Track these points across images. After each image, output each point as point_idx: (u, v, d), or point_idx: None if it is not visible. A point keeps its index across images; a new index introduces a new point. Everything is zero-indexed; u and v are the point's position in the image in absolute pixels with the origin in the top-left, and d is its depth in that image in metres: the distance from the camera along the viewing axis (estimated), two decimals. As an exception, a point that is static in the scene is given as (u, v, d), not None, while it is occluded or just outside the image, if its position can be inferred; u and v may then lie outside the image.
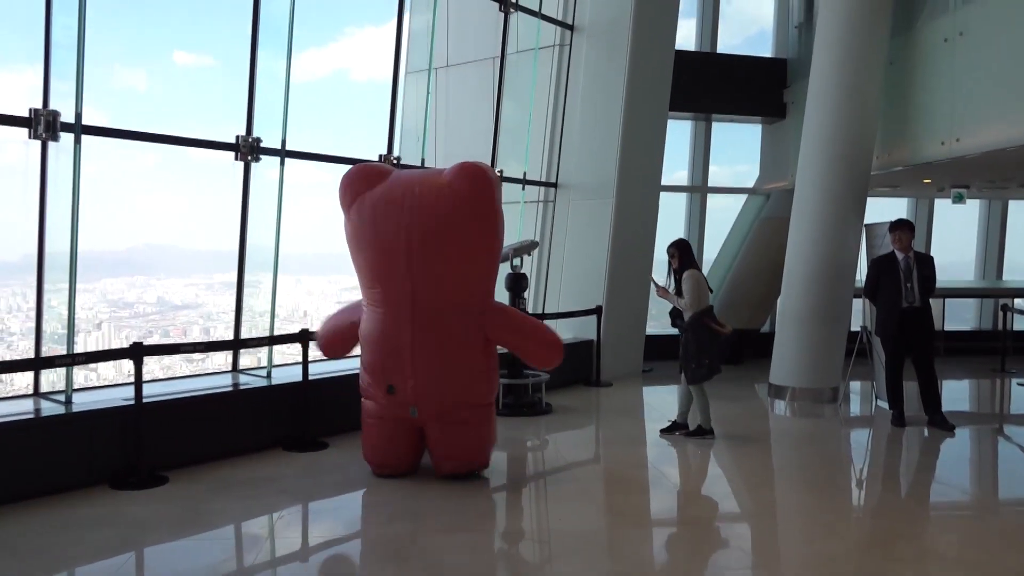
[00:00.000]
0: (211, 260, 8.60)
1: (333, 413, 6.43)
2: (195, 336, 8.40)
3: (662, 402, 8.68)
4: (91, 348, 6.73)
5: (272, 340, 6.53)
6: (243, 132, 6.50)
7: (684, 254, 6.66)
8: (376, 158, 7.70)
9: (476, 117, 9.71)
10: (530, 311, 9.15)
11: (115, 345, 5.87)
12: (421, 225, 4.83)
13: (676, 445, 6.59)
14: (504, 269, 7.33)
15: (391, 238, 4.86)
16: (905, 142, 8.32)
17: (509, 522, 5.00)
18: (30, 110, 5.30)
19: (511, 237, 8.30)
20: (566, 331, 9.49)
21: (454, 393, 5.11)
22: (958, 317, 13.06)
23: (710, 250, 11.82)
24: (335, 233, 5.35)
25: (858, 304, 8.60)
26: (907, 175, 8.95)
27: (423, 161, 7.79)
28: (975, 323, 13.22)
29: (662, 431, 6.83)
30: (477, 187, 4.88)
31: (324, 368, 6.77)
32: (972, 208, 13.12)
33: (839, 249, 8.08)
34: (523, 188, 8.91)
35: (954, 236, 13.42)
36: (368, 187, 5.00)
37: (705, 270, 10.44)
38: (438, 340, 4.99)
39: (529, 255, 7.68)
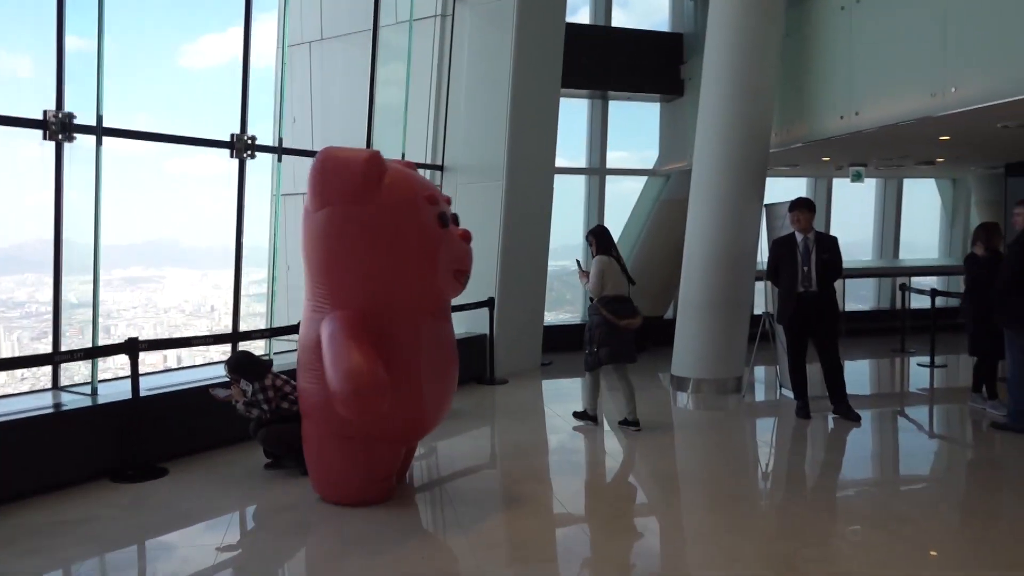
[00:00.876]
0: (107, 255, 7.74)
1: (172, 434, 5.55)
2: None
3: (563, 396, 8.07)
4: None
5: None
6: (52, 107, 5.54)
7: (599, 240, 6.60)
8: (229, 138, 6.79)
9: (355, 96, 8.86)
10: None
11: (5, 346, 5.88)
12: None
13: (586, 437, 6.03)
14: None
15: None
16: (804, 118, 7.96)
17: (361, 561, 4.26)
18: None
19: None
20: (457, 326, 8.78)
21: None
22: (857, 297, 13.04)
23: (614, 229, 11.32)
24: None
25: (761, 287, 8.23)
26: (806, 152, 8.61)
27: (280, 141, 6.91)
28: (874, 303, 13.23)
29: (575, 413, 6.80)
30: (313, 179, 4.38)
31: (158, 382, 5.89)
32: (869, 187, 13.09)
33: (738, 231, 7.65)
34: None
35: (852, 216, 13.40)
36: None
37: None
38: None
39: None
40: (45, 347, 7.86)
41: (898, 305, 11.17)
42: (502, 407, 7.69)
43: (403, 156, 8.11)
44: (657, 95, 10.90)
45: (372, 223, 4.25)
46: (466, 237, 4.52)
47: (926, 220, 14.13)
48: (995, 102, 5.69)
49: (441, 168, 9.03)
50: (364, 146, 8.12)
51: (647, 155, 11.43)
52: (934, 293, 9.44)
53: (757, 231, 7.84)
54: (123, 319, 8.76)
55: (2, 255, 8.14)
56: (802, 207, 6.75)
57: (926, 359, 9.31)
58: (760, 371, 8.80)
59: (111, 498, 4.89)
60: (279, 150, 6.78)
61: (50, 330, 7.86)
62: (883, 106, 6.83)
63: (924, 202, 13.78)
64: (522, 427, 7.03)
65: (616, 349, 6.29)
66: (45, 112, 5.43)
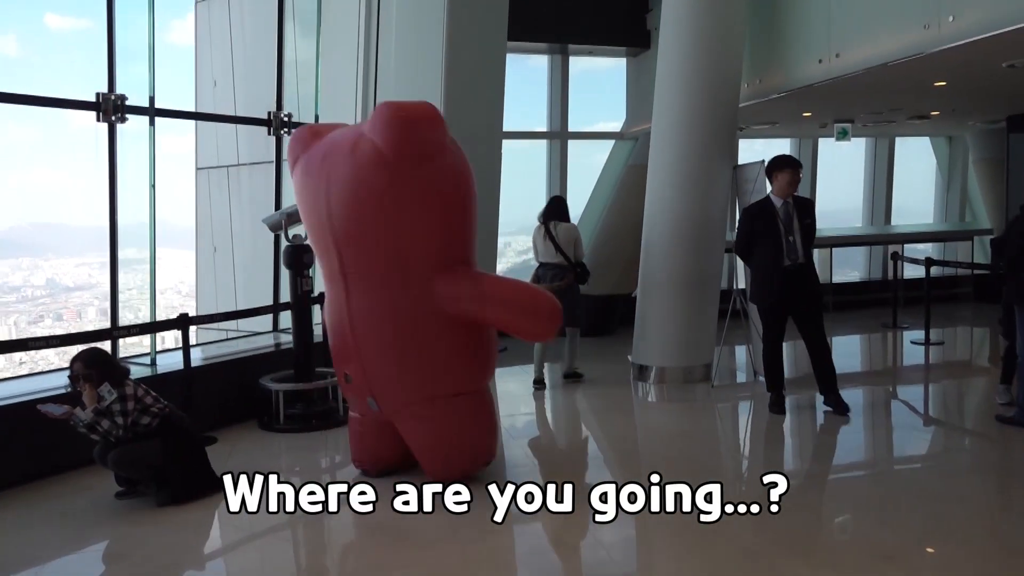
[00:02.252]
0: (104, 237, 7.49)
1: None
2: (92, 318, 8.12)
3: (516, 388, 7.04)
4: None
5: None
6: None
7: (544, 209, 6.89)
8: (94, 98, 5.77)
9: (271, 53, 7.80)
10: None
11: (1, 331, 5.81)
12: (336, 188, 4.08)
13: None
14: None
15: (313, 205, 4.25)
16: (778, 65, 6.92)
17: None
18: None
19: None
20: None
21: (414, 382, 4.26)
22: (845, 267, 12.08)
23: (578, 205, 10.33)
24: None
25: (729, 262, 7.25)
26: (783, 106, 7.59)
27: (151, 100, 5.84)
28: (864, 273, 12.25)
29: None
30: (398, 134, 3.94)
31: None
32: (858, 148, 12.07)
33: (704, 198, 6.65)
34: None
35: (840, 180, 12.39)
36: (304, 149, 4.34)
37: None
38: (377, 319, 4.21)
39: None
40: (43, 330, 7.98)
41: (890, 275, 10.23)
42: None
43: (316, 118, 7.06)
44: (623, 48, 9.85)
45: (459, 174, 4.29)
46: None
47: (920, 183, 13.12)
48: (1001, 30, 4.68)
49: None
50: (274, 107, 7.08)
51: (613, 116, 10.40)
52: (929, 262, 8.48)
53: (726, 197, 6.86)
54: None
55: (-3, 239, 8.20)
56: (786, 166, 5.68)
57: (920, 335, 8.39)
58: (733, 354, 7.86)
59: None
60: (152, 111, 5.78)
61: (47, 313, 8.44)
62: (868, 45, 5.80)
63: (918, 163, 12.76)
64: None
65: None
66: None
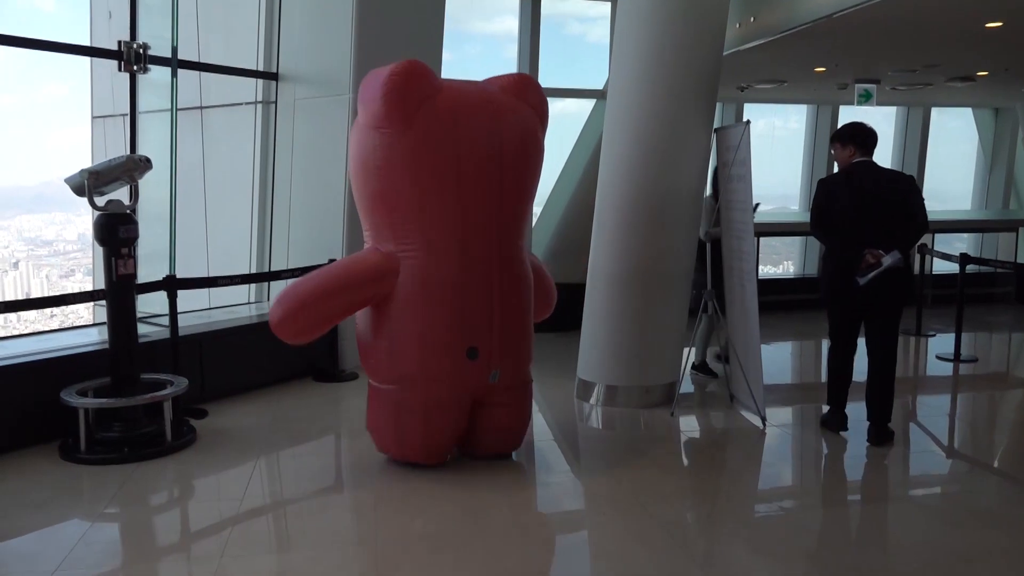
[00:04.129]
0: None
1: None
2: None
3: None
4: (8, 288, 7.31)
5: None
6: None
7: None
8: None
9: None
10: (233, 272, 6.04)
11: (35, 284, 5.54)
12: (511, 139, 3.95)
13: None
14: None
15: (475, 154, 3.86)
16: (778, -3, 5.31)
17: None
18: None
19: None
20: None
21: (528, 352, 4.28)
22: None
23: (547, 173, 8.76)
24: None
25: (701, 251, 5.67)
26: (788, 54, 5.96)
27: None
28: (887, 265, 10.57)
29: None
30: (544, 106, 4.25)
31: None
32: (887, 118, 10.37)
33: (672, 170, 5.09)
34: (173, 76, 5.54)
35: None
36: (432, 91, 3.85)
37: (540, 200, 8.14)
38: (521, 288, 4.14)
39: (133, 181, 4.43)
40: (74, 285, 8.12)
41: (916, 270, 8.60)
42: (348, 417, 5.32)
43: (173, 51, 5.53)
44: (605, -11, 8.22)
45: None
46: None
47: (958, 162, 11.41)
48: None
49: (276, 77, 6.47)
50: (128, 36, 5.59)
51: (593, 71, 8.80)
52: (964, 259, 6.84)
53: (704, 169, 5.29)
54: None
55: (30, 194, 8.40)
56: (859, 133, 4.60)
57: (949, 345, 6.82)
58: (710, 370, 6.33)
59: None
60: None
61: (78, 268, 8.45)
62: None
63: (957, 138, 11.05)
64: (358, 452, 4.65)
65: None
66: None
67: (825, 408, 4.90)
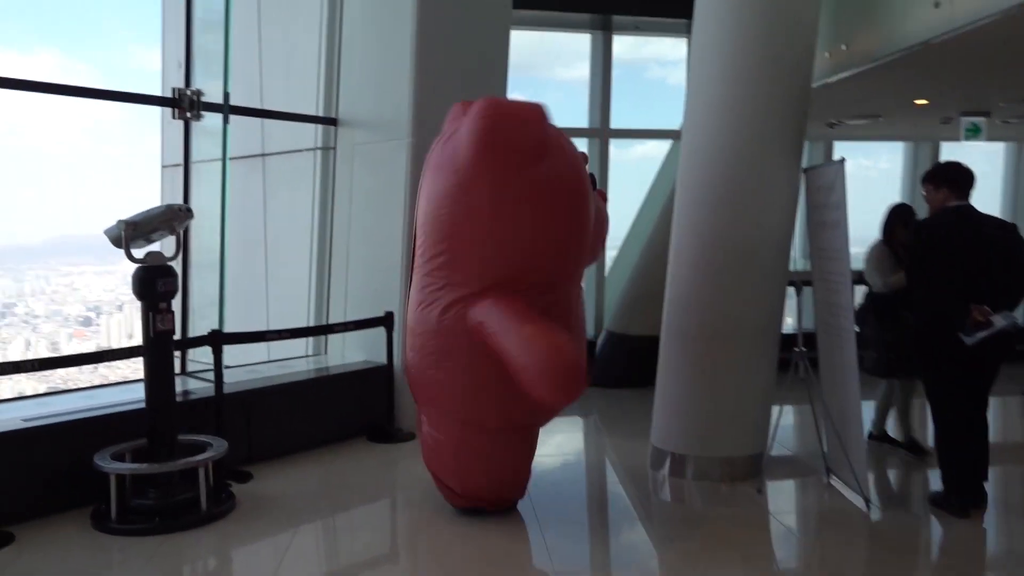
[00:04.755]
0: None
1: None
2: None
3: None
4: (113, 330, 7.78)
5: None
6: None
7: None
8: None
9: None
10: (285, 325, 5.79)
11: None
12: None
13: None
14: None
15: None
16: (874, 19, 4.77)
17: None
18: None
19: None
20: (357, 352, 6.11)
21: None
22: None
23: (619, 217, 8.31)
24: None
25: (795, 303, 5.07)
26: (884, 84, 5.39)
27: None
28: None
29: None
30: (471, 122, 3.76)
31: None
32: (994, 155, 9.50)
33: (757, 212, 4.57)
34: (225, 122, 5.38)
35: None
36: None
37: (613, 244, 8.13)
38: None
39: (174, 232, 4.21)
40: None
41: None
42: (410, 480, 4.92)
43: (225, 96, 5.37)
44: (683, 21, 7.78)
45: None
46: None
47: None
48: None
49: (335, 122, 6.28)
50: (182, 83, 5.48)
51: (668, 110, 8.34)
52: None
53: (793, 212, 4.74)
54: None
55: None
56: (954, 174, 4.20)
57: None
58: (797, 439, 5.68)
59: None
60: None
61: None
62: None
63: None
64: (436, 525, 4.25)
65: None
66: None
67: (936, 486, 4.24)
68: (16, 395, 4.91)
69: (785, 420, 5.14)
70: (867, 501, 4.25)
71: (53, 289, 9.39)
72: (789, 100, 4.57)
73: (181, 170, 7.60)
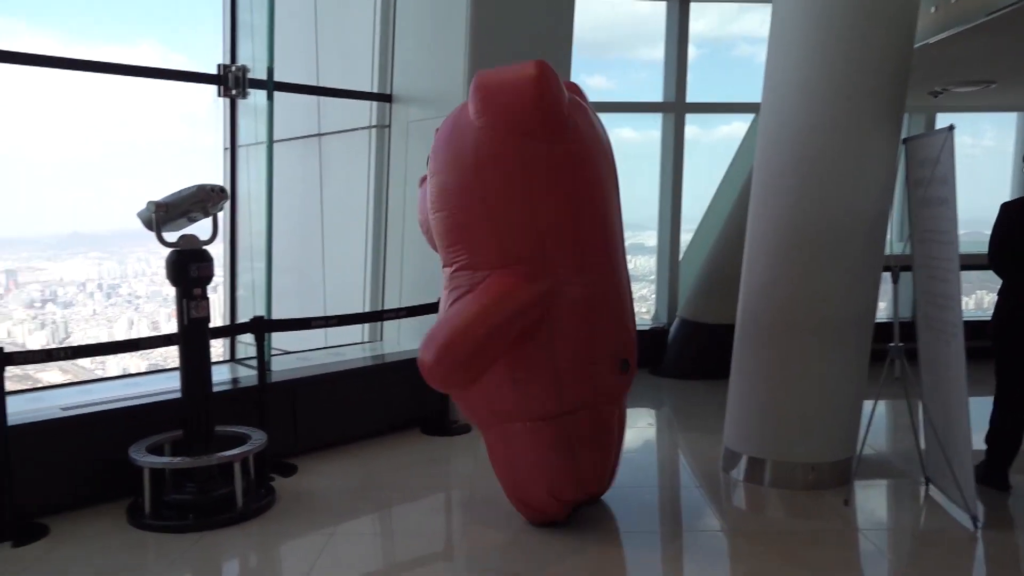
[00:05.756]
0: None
1: None
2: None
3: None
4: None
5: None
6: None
7: None
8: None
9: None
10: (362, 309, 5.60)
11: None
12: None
13: None
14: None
15: (606, 177, 3.70)
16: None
17: None
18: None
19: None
20: (411, 339, 5.85)
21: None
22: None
23: (694, 199, 7.80)
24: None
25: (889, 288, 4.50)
26: (998, 45, 4.72)
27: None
28: None
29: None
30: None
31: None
32: None
33: (847, 189, 4.04)
34: (269, 99, 5.12)
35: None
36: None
37: (688, 228, 7.75)
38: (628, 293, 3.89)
39: (208, 214, 3.98)
40: None
41: None
42: (459, 479, 4.65)
43: (269, 71, 5.11)
44: (764, -12, 7.19)
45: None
46: None
47: None
48: None
49: (389, 99, 5.99)
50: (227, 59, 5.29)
51: (757, 90, 7.74)
52: None
53: (886, 188, 4.18)
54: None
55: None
56: None
57: None
58: (889, 442, 5.10)
59: None
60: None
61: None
62: None
63: None
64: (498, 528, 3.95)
65: None
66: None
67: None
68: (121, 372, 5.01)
69: (877, 416, 4.58)
70: (974, 519, 3.70)
71: (153, 271, 9.56)
72: (887, 61, 4.00)
73: (247, 150, 7.50)
